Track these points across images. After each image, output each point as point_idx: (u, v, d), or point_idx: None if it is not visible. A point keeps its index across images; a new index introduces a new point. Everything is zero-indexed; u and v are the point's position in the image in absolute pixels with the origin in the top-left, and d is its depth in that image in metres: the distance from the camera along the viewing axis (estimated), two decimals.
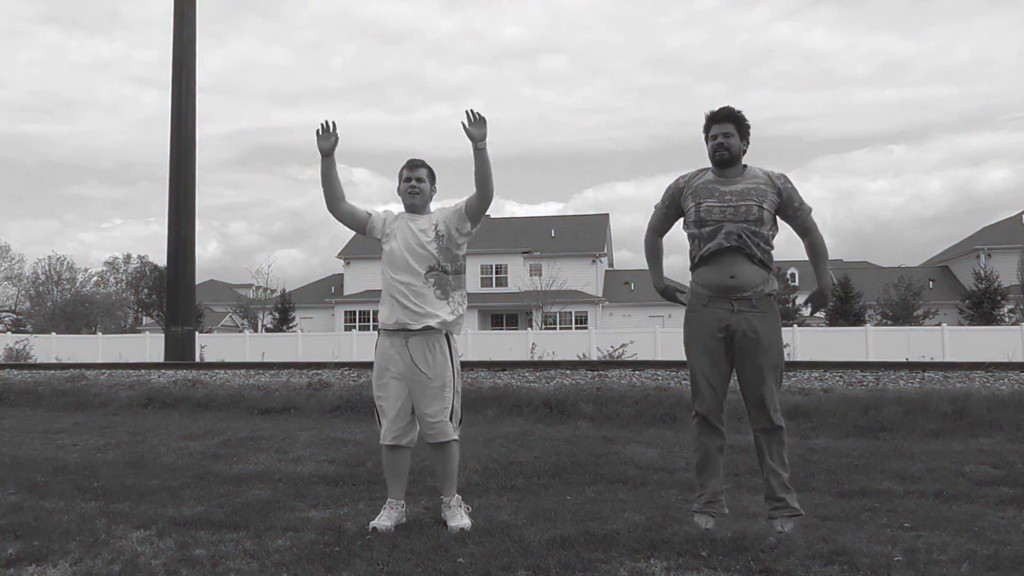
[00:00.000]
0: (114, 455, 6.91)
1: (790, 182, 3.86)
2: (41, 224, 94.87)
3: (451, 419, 4.18)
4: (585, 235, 49.38)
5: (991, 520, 4.25)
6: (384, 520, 4.09)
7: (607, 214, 53.40)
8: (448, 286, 4.25)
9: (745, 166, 3.88)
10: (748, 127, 3.87)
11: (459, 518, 4.11)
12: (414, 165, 4.38)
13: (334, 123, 4.34)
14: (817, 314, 45.50)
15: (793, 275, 47.09)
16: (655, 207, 4.10)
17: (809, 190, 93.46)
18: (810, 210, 3.88)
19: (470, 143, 4.12)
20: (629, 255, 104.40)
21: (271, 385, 10.77)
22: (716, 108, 3.88)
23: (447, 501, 4.22)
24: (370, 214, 4.46)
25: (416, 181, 4.32)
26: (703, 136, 3.92)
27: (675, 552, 3.53)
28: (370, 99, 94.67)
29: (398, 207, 4.50)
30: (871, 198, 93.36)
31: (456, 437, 4.22)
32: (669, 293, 4.15)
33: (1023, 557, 3.47)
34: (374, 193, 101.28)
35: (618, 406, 8.57)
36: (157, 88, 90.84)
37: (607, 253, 50.73)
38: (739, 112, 3.85)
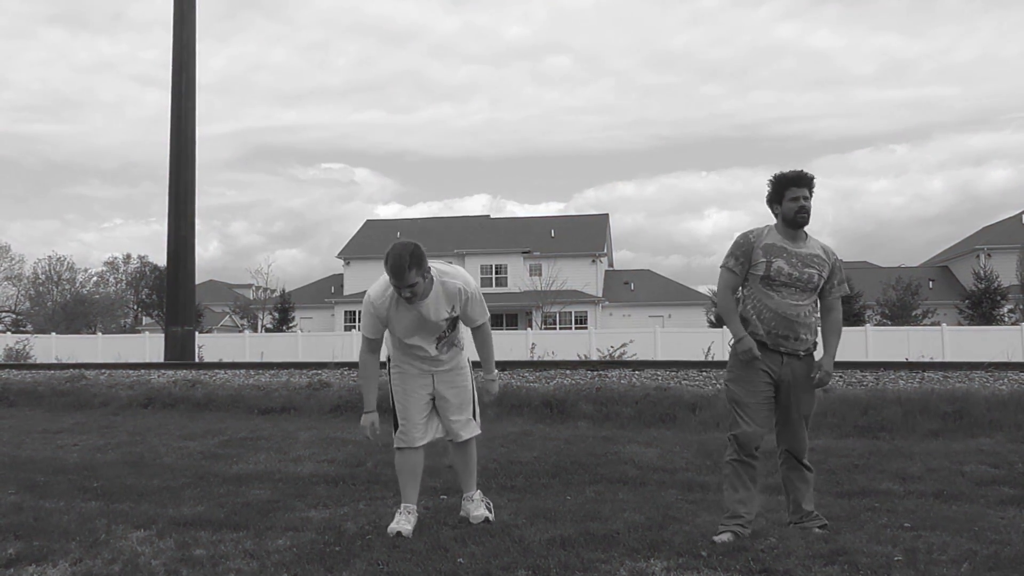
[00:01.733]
0: (114, 455, 6.91)
1: (840, 260, 4.11)
2: (42, 224, 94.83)
3: (475, 416, 4.31)
4: (585, 235, 49.37)
5: (991, 520, 4.25)
6: (406, 524, 4.00)
7: (607, 214, 53.40)
8: (455, 339, 4.24)
9: (806, 233, 4.05)
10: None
11: (482, 509, 4.23)
12: (399, 275, 3.74)
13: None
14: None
15: None
16: (725, 268, 4.09)
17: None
18: (844, 292, 4.13)
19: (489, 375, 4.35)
20: (630, 255, 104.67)
21: (271, 385, 10.77)
22: (795, 171, 4.00)
23: (469, 495, 4.30)
24: (379, 332, 4.11)
25: (408, 288, 3.79)
26: (770, 192, 4.01)
27: (675, 552, 3.53)
28: (373, 99, 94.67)
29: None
30: (873, 198, 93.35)
31: (480, 431, 4.35)
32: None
33: (1023, 557, 3.47)
34: (375, 193, 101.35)
35: (618, 406, 8.57)
36: (160, 88, 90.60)
37: (607, 253, 50.72)
38: (814, 177, 4.01)
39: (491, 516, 4.20)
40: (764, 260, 3.94)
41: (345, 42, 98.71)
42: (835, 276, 4.05)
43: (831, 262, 4.03)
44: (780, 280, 3.91)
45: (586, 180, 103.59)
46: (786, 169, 4.06)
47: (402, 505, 4.13)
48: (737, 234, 4.11)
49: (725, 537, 3.73)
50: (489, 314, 4.26)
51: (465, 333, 4.24)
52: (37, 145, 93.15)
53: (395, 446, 4.22)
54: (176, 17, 18.21)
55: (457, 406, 4.23)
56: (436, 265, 4.03)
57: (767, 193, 4.03)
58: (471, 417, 4.28)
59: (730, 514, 3.87)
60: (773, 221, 4.08)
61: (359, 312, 47.09)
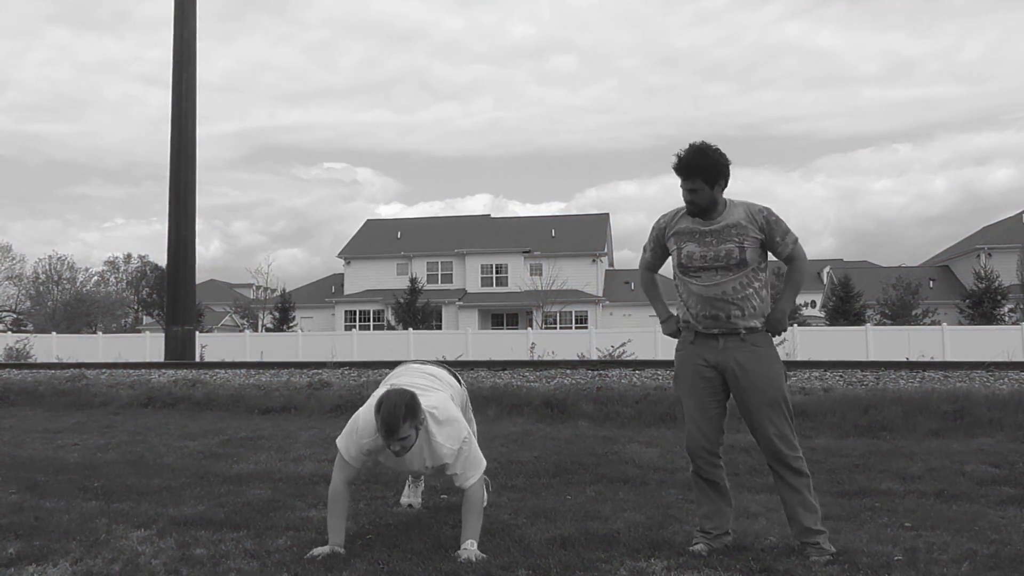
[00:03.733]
0: (114, 455, 6.91)
1: (773, 214, 3.67)
2: (44, 224, 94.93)
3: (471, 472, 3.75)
4: (585, 235, 49.38)
5: (992, 520, 4.25)
6: (415, 497, 4.25)
7: (607, 214, 53.43)
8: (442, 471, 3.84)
9: (726, 203, 3.68)
10: (722, 170, 3.57)
11: (467, 555, 3.53)
12: (392, 431, 3.47)
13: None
14: (817, 314, 45.50)
15: (829, 275, 46.77)
16: (643, 248, 3.98)
17: (813, 189, 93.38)
18: (795, 240, 3.67)
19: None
20: (631, 255, 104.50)
21: (271, 385, 10.77)
22: (685, 157, 3.57)
23: (465, 545, 3.63)
24: (361, 464, 3.82)
25: (400, 443, 3.52)
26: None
27: (675, 551, 3.53)
28: (377, 98, 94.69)
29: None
30: (875, 197, 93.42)
31: (482, 475, 3.80)
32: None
33: (1023, 557, 3.47)
34: (376, 192, 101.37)
35: (618, 406, 8.56)
36: (165, 87, 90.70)
37: (607, 253, 50.73)
38: (708, 161, 3.55)
39: (473, 557, 3.48)
40: (675, 248, 3.71)
41: (350, 42, 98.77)
42: (775, 233, 3.62)
43: (759, 224, 3.61)
44: (694, 265, 3.64)
45: (588, 179, 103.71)
46: (686, 148, 3.60)
47: (407, 482, 4.28)
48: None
49: (699, 548, 3.56)
50: (484, 466, 3.77)
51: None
52: (41, 144, 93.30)
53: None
54: (177, 16, 18.22)
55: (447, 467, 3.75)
56: (430, 410, 3.65)
57: None
58: (467, 475, 3.72)
59: (698, 527, 3.71)
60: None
61: (359, 312, 46.99)
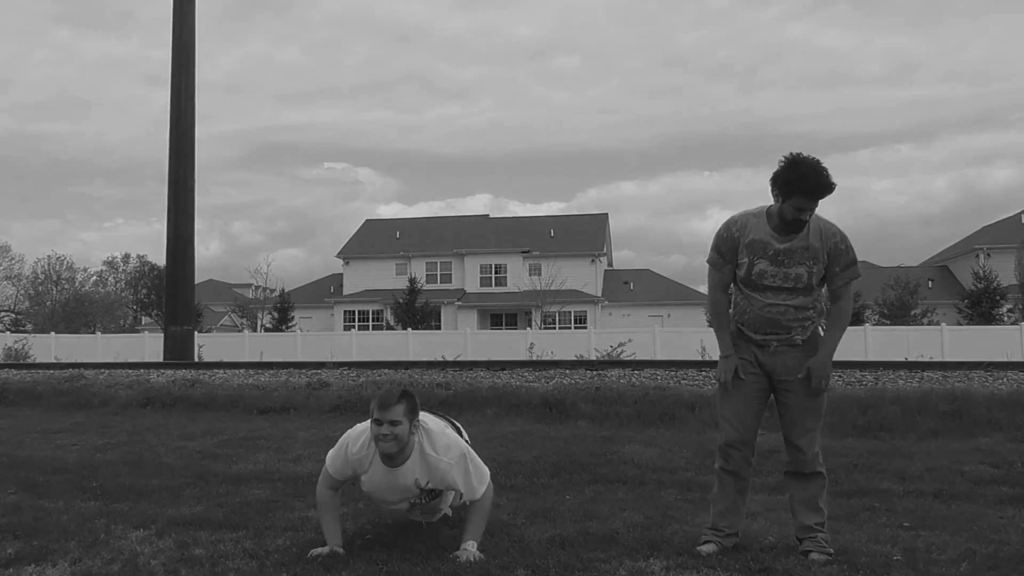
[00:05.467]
0: (113, 455, 6.90)
1: (845, 241, 3.51)
2: (44, 224, 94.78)
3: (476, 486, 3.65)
4: (584, 235, 49.38)
5: (990, 519, 4.26)
6: None
7: (606, 214, 53.43)
8: (435, 506, 3.81)
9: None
10: None
11: (466, 555, 3.49)
12: (386, 404, 3.45)
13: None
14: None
15: None
16: (711, 265, 3.70)
17: None
18: (851, 278, 3.53)
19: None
20: (632, 254, 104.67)
21: (270, 385, 10.76)
22: (817, 178, 3.34)
23: (464, 546, 3.60)
24: (344, 478, 3.71)
25: (390, 425, 3.44)
26: (780, 181, 3.42)
27: (674, 551, 3.53)
28: (379, 98, 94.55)
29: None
30: (876, 197, 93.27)
31: (484, 490, 3.68)
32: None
33: (1022, 556, 3.47)
34: (377, 192, 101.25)
35: (617, 406, 8.56)
36: (168, 87, 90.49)
37: (606, 253, 50.72)
38: (832, 184, 3.39)
39: (472, 558, 3.43)
40: (747, 260, 3.53)
41: (353, 42, 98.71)
42: (837, 263, 3.49)
43: (828, 248, 3.48)
44: (762, 284, 3.52)
45: (588, 179, 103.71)
46: (810, 163, 3.38)
47: None
48: (720, 224, 3.68)
49: (708, 548, 3.53)
50: (489, 477, 3.66)
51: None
52: (43, 144, 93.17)
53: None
54: (176, 16, 18.21)
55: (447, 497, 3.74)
56: (429, 426, 3.61)
57: (776, 174, 3.44)
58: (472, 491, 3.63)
59: (710, 524, 3.67)
60: (768, 202, 3.56)
61: (358, 312, 46.87)
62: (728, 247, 3.61)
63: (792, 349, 3.57)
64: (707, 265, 3.72)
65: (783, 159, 3.44)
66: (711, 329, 3.94)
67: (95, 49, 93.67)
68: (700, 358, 17.39)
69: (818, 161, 3.41)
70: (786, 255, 3.49)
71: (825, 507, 3.60)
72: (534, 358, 18.17)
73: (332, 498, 3.72)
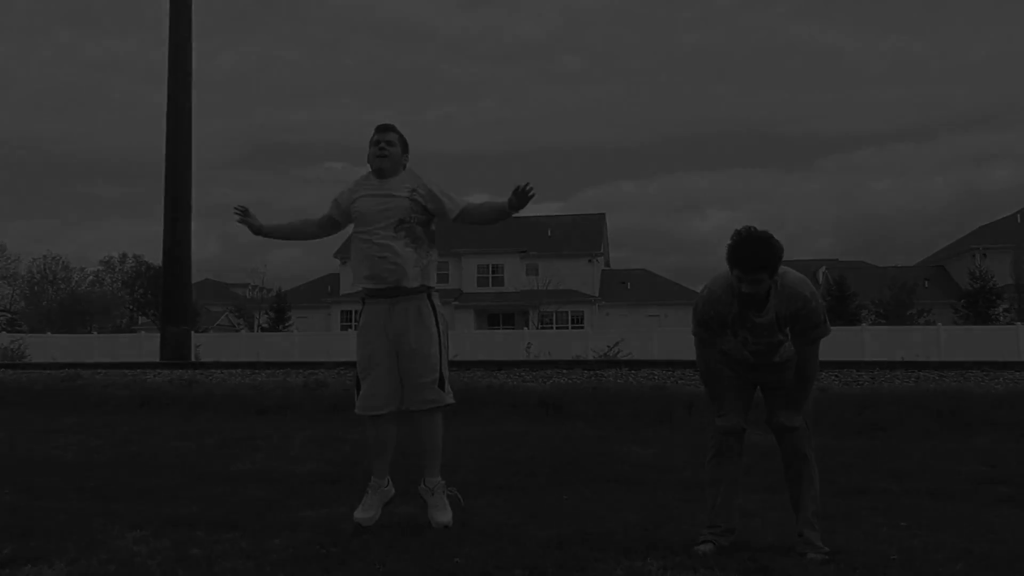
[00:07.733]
0: (110, 455, 6.89)
1: (808, 306, 3.47)
2: (43, 223, 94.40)
3: (441, 385, 3.95)
4: (582, 235, 49.37)
5: (986, 519, 4.27)
6: (368, 510, 3.99)
7: (603, 214, 53.40)
8: (421, 240, 4.02)
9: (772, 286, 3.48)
10: (781, 257, 3.38)
11: (441, 511, 3.97)
12: (384, 128, 4.18)
13: (242, 208, 4.49)
14: None
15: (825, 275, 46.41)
16: (698, 339, 3.75)
17: (814, 190, 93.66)
18: (818, 337, 3.52)
19: (506, 202, 3.97)
20: (629, 254, 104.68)
21: (267, 385, 10.76)
22: (746, 249, 3.33)
23: (430, 485, 4.01)
24: (330, 210, 4.29)
25: (386, 144, 4.10)
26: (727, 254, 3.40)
27: (672, 551, 3.53)
28: (381, 98, 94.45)
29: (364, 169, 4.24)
30: (876, 197, 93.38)
31: (450, 401, 4.01)
32: None
33: (1018, 555, 3.48)
34: None
35: (614, 406, 8.57)
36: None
37: (604, 252, 50.73)
38: (774, 253, 3.34)
39: (449, 520, 3.87)
40: (728, 331, 3.62)
41: (356, 41, 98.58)
42: (800, 325, 3.49)
43: (792, 311, 3.46)
44: (748, 349, 3.62)
45: (587, 179, 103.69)
46: (746, 237, 3.36)
47: (370, 482, 4.08)
48: (699, 297, 3.69)
49: (705, 548, 3.52)
50: (464, 204, 4.10)
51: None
52: (45, 144, 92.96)
53: (356, 412, 4.08)
54: (172, 15, 18.19)
55: (423, 357, 3.90)
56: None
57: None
58: (437, 379, 3.93)
59: (706, 524, 3.67)
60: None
61: (355, 312, 47.31)
62: (717, 323, 3.63)
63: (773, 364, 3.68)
64: (693, 337, 3.77)
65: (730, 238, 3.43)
66: None
67: (96, 48, 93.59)
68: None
69: (757, 232, 3.37)
70: (762, 328, 3.54)
71: (817, 482, 3.65)
72: (531, 358, 18.16)
73: (312, 220, 4.43)
